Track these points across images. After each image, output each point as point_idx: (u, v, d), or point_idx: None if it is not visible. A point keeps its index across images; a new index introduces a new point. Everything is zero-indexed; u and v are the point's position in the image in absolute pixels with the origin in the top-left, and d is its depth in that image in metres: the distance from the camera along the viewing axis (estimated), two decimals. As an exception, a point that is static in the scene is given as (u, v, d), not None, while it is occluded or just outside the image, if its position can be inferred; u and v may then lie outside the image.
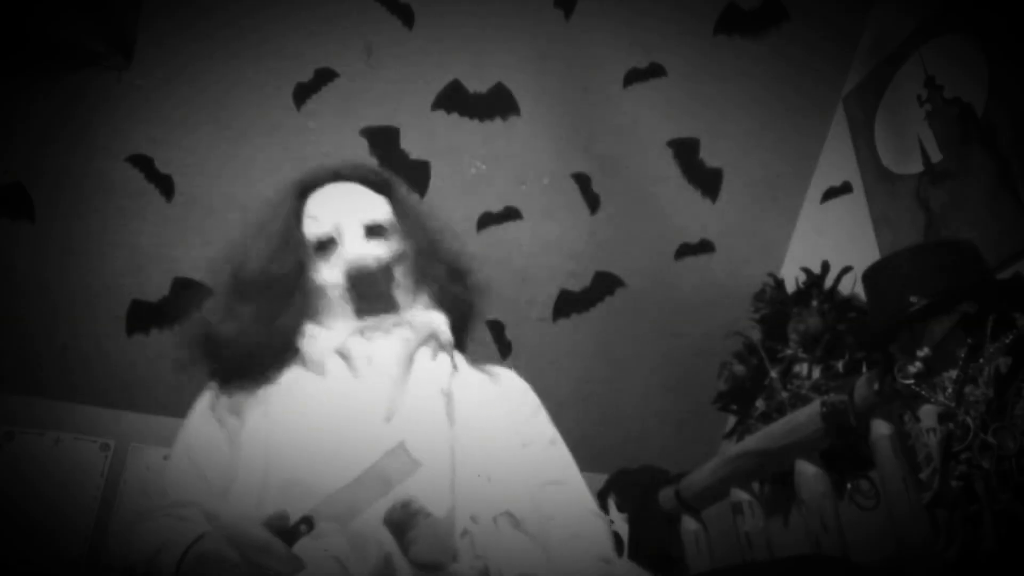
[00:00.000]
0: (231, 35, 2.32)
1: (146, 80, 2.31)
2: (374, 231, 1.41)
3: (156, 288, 2.44)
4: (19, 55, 2.19)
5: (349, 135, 2.47)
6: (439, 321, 1.39)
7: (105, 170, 2.35)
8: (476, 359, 1.48)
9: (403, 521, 1.11)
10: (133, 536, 1.21)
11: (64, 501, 2.30)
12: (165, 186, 2.41)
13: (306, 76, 2.42)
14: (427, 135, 2.52)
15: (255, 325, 1.35)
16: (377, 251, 1.38)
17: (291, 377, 1.34)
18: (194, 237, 2.42)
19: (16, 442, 2.34)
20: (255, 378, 1.34)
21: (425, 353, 1.34)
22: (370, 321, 1.34)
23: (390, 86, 2.48)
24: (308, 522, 1.06)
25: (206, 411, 1.37)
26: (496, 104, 2.56)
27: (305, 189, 1.46)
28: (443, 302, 1.43)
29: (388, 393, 1.27)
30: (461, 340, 1.45)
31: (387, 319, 1.34)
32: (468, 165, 2.60)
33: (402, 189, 1.52)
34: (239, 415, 1.32)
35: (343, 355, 1.32)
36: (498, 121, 2.56)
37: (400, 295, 1.38)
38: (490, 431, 1.32)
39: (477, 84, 2.54)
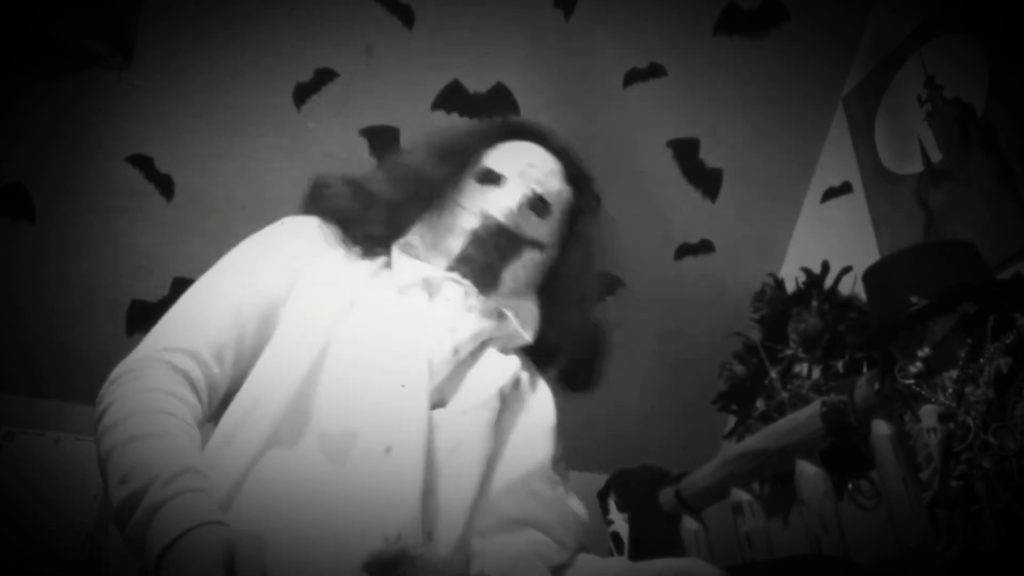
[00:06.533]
0: (231, 36, 2.32)
1: (146, 80, 2.31)
2: (542, 207, 1.28)
3: (156, 288, 2.44)
4: (20, 56, 2.20)
5: (349, 135, 2.47)
6: (522, 332, 1.25)
7: (105, 170, 2.35)
8: None
9: (391, 563, 0.93)
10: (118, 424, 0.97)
11: (64, 501, 2.29)
12: (165, 186, 2.40)
13: (306, 76, 2.42)
14: (427, 135, 2.52)
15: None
16: (527, 222, 1.26)
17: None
18: (194, 237, 2.42)
19: (16, 442, 2.33)
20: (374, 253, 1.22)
21: (494, 348, 1.21)
22: (464, 284, 1.20)
23: (390, 86, 2.48)
24: None
25: (317, 239, 1.22)
26: (496, 104, 2.55)
27: (516, 131, 1.38)
28: (543, 329, 1.29)
29: (448, 370, 1.14)
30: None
31: (474, 294, 1.20)
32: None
33: (595, 203, 1.40)
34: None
35: (429, 289, 1.18)
36: (498, 121, 2.56)
37: (507, 278, 1.24)
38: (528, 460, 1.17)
39: (477, 84, 2.54)
